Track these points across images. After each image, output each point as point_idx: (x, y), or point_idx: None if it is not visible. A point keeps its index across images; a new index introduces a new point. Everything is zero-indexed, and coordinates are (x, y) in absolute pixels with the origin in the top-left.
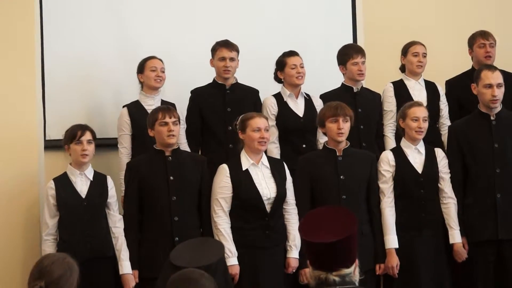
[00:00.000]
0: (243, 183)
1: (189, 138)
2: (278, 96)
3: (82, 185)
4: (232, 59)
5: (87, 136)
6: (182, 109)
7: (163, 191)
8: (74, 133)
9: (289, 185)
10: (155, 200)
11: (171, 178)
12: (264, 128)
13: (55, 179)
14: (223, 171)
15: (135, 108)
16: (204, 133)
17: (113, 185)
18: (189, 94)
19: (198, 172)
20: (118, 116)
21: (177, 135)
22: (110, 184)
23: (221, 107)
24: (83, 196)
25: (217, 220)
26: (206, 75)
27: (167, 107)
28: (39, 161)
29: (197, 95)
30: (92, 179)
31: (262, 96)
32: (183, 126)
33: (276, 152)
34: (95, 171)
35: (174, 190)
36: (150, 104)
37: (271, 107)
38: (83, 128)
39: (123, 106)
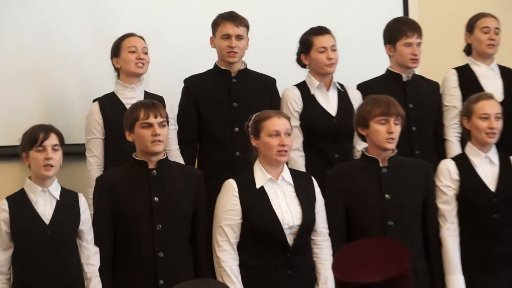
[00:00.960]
0: (256, 206)
1: (182, 144)
2: (303, 87)
3: (45, 206)
4: (239, 37)
5: (53, 140)
6: (172, 105)
7: (144, 217)
8: (35, 137)
9: (319, 208)
10: (134, 229)
11: (156, 199)
12: (285, 132)
13: (8, 198)
14: (230, 189)
15: (109, 103)
16: (203, 137)
17: (87, 207)
18: (182, 84)
19: (193, 190)
20: (87, 115)
21: (164, 141)
22: (83, 205)
23: (226, 102)
24: (47, 221)
25: (221, 256)
26: (204, 59)
27: (152, 102)
28: None
29: (193, 85)
30: (58, 199)
31: (280, 88)
32: (173, 127)
33: (301, 163)
34: (62, 188)
35: (160, 215)
36: (130, 97)
37: (294, 102)
38: (47, 129)
39: (94, 101)
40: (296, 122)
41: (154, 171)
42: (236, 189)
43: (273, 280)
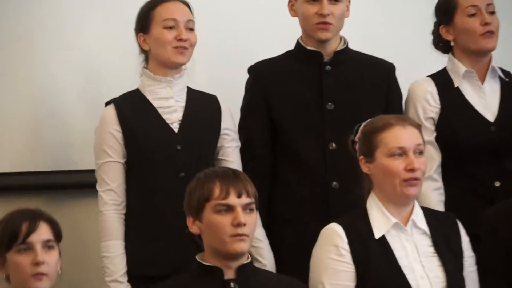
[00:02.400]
0: (377, 267)
1: (251, 166)
2: (441, 80)
3: None
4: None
5: (43, 232)
6: (231, 109)
7: None
8: (14, 230)
9: (470, 269)
10: None
11: None
12: (414, 149)
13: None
14: (335, 239)
15: (130, 106)
16: (279, 160)
17: None
18: (244, 76)
19: None
20: (96, 127)
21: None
22: None
23: (315, 102)
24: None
25: None
26: (277, 38)
27: (233, 173)
28: None
29: (262, 76)
30: None
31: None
32: (235, 144)
33: (437, 199)
34: None
35: None
36: (164, 96)
37: (426, 103)
38: (33, 217)
39: (106, 104)
40: (430, 134)
41: (234, 284)
42: (346, 240)
43: None
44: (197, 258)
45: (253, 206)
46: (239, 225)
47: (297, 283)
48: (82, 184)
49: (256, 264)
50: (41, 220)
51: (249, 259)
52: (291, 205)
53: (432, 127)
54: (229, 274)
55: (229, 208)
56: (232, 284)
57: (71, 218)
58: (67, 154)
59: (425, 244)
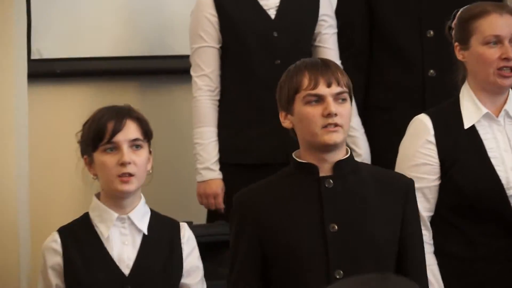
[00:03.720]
0: (464, 158)
1: (348, 52)
2: None
3: (123, 245)
4: None
5: (130, 131)
6: None
7: (316, 258)
8: (101, 129)
9: None
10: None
11: (333, 228)
12: (510, 37)
13: (62, 231)
14: (422, 130)
15: None
16: (376, 44)
17: (195, 245)
18: None
19: (397, 209)
20: (192, 9)
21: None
22: (188, 243)
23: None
24: (126, 270)
25: None
26: None
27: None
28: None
29: None
30: (146, 232)
31: None
32: (332, 31)
33: None
34: (153, 213)
35: (339, 254)
36: None
37: None
38: (120, 114)
39: None
40: None
41: (330, 181)
42: (432, 131)
43: (491, 277)
44: (293, 155)
45: (346, 95)
46: (330, 115)
47: (401, 178)
48: (177, 69)
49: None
50: (128, 118)
51: (348, 154)
52: (384, 91)
53: None
54: (326, 171)
55: (319, 99)
56: (327, 182)
57: (166, 103)
58: (163, 39)
59: None
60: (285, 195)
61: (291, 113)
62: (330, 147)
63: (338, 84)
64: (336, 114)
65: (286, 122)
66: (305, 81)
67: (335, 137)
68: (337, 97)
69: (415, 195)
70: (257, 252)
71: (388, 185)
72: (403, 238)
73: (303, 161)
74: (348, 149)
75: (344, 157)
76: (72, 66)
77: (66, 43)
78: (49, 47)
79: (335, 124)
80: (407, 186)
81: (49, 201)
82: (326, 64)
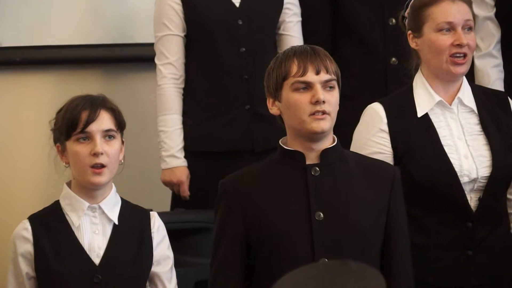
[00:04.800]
0: (418, 147)
1: (311, 40)
2: None
3: (94, 235)
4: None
5: (104, 121)
6: None
7: (301, 243)
8: (74, 117)
9: None
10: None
11: (319, 216)
12: (463, 25)
13: (33, 219)
14: (374, 118)
15: None
16: (339, 32)
17: (165, 234)
18: None
19: (383, 198)
20: None
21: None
22: (158, 232)
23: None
24: (97, 260)
25: None
26: None
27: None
28: None
29: None
30: (116, 222)
31: None
32: (296, 19)
33: (495, 77)
34: (123, 202)
35: (323, 239)
36: None
37: None
38: (94, 104)
39: None
40: (488, 10)
41: (317, 168)
42: (385, 119)
43: (445, 264)
44: (280, 142)
45: (334, 83)
46: (318, 102)
47: (388, 167)
48: (140, 57)
49: None
50: (102, 108)
51: (335, 142)
52: (350, 80)
53: (492, 2)
54: (313, 159)
55: (308, 86)
56: (313, 170)
57: (129, 91)
58: (126, 27)
59: (472, 122)
60: (271, 183)
61: (279, 99)
62: (317, 135)
63: (327, 71)
64: (324, 102)
65: (273, 109)
66: (294, 68)
67: (323, 124)
68: (325, 84)
69: (400, 184)
70: (242, 239)
71: (374, 173)
72: (388, 227)
73: (290, 148)
74: (335, 137)
75: (330, 145)
76: (32, 54)
77: (26, 32)
78: (8, 36)
79: (323, 112)
80: (393, 175)
81: (11, 191)
82: (316, 52)
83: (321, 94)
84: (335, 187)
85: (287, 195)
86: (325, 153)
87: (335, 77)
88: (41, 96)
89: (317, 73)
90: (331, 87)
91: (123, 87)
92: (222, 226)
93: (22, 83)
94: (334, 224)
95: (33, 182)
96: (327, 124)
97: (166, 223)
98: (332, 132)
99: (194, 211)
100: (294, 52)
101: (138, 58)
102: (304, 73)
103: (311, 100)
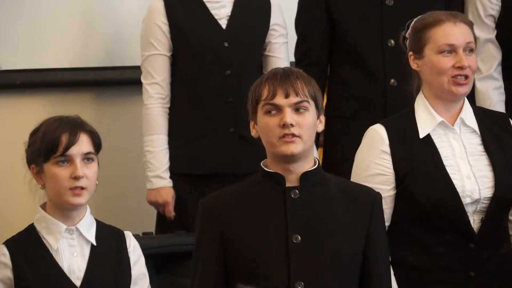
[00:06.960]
0: (420, 167)
1: (305, 60)
2: None
3: (73, 256)
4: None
5: (84, 145)
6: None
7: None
8: (54, 141)
9: None
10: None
11: (296, 239)
12: (464, 47)
13: (9, 243)
14: (376, 140)
15: None
16: (337, 57)
17: (140, 254)
18: None
19: (363, 221)
20: (144, 17)
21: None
22: (134, 252)
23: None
24: (77, 282)
25: None
26: None
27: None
28: None
29: None
30: (94, 243)
31: None
32: (282, 40)
33: (496, 99)
34: (98, 224)
35: (301, 264)
36: None
37: (487, 0)
38: (74, 127)
39: None
40: (489, 32)
41: (296, 191)
42: (387, 141)
43: (447, 286)
44: (262, 164)
45: (306, 105)
46: (285, 125)
47: (368, 191)
48: (132, 79)
49: None
50: (81, 131)
51: (316, 165)
52: (347, 102)
53: (493, 25)
54: (293, 182)
55: (277, 109)
56: (293, 193)
57: (120, 113)
58: (115, 50)
59: (474, 142)
60: (251, 204)
61: (256, 122)
62: (288, 158)
63: (297, 94)
64: (292, 125)
65: (253, 131)
66: (265, 92)
67: (292, 147)
68: (295, 107)
69: (382, 209)
70: (220, 260)
71: (355, 198)
72: (367, 252)
73: (271, 170)
74: (317, 160)
75: (311, 168)
76: (31, 77)
77: (25, 55)
78: (8, 59)
79: (292, 135)
80: (374, 200)
81: (2, 212)
82: (287, 75)
83: (289, 117)
84: (314, 210)
85: (266, 216)
86: (305, 176)
87: (307, 99)
88: (39, 119)
89: (286, 96)
90: (304, 109)
91: (116, 109)
92: (200, 246)
93: (21, 106)
94: (311, 247)
95: (32, 207)
96: (297, 147)
97: (167, 246)
98: (312, 155)
99: (194, 234)
100: (268, 75)
101: (130, 80)
102: (273, 97)
103: (279, 123)
